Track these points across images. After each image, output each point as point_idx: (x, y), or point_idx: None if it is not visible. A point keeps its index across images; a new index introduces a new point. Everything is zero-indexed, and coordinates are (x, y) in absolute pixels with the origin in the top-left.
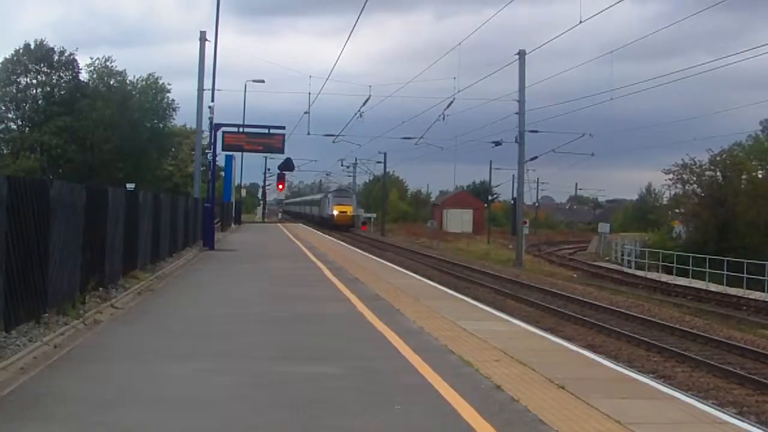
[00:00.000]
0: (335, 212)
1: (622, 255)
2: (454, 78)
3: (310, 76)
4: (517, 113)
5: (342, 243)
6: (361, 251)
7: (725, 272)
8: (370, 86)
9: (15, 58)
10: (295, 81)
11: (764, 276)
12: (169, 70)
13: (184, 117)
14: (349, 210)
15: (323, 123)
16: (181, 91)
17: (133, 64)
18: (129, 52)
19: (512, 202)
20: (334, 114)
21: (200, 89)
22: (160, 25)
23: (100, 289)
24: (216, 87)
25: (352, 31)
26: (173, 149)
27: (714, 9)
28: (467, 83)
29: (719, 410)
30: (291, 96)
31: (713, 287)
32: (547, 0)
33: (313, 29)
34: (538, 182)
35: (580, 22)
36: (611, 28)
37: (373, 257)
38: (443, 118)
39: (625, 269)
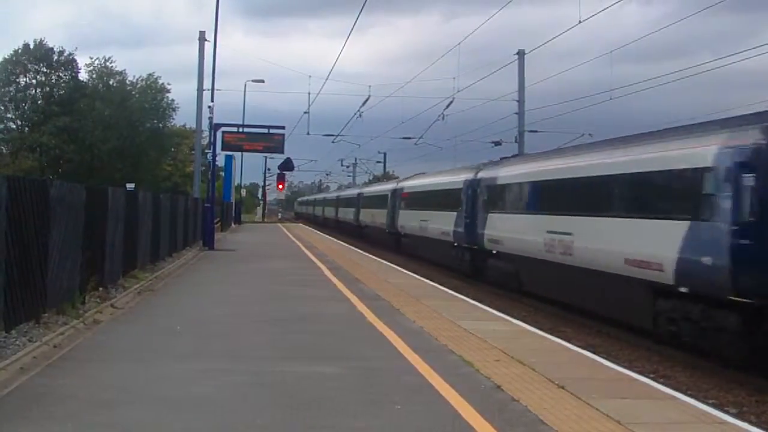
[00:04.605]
0: None
1: None
2: (454, 78)
3: (310, 76)
4: (516, 113)
5: (341, 243)
6: (360, 251)
7: None
8: (369, 86)
9: (14, 58)
10: (301, 81)
11: None
12: (176, 71)
13: (186, 117)
14: None
15: (323, 123)
16: (186, 91)
17: (142, 65)
18: (138, 53)
19: None
20: (334, 114)
21: (200, 89)
22: (170, 27)
23: (100, 288)
24: (220, 87)
25: (350, 32)
26: (173, 149)
27: (722, 12)
28: (469, 83)
29: (719, 410)
30: (296, 96)
31: None
32: (554, 0)
33: (321, 30)
34: None
35: (579, 22)
36: (617, 29)
37: (373, 257)
38: (443, 118)
39: None
